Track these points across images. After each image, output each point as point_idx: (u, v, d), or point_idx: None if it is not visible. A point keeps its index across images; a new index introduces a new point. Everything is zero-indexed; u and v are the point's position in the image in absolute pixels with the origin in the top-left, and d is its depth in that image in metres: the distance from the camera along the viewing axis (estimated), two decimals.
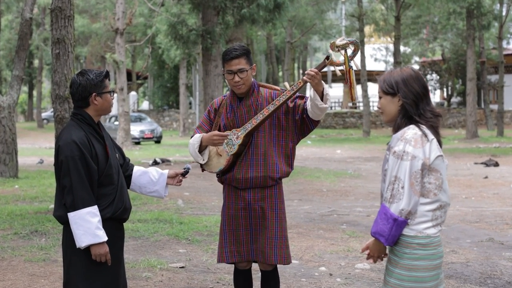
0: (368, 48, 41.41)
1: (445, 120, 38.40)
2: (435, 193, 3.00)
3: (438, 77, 44.10)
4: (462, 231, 8.04)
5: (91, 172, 3.36)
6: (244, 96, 4.04)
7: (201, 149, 4.04)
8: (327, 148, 24.39)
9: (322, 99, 3.83)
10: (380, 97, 3.14)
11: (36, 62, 48.30)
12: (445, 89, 47.59)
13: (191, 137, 4.13)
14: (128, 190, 3.74)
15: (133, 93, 45.78)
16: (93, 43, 39.31)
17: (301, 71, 51.10)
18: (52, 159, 14.99)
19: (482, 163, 16.88)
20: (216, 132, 3.97)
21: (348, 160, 19.20)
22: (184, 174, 3.86)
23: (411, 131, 3.00)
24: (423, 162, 2.95)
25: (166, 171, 3.84)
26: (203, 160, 4.04)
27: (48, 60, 40.63)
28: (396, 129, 3.07)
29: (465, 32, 32.51)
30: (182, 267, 6.10)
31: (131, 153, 21.94)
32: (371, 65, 43.90)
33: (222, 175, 4.10)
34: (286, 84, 3.99)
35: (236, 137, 3.96)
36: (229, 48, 3.96)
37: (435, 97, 49.20)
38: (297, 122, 4.02)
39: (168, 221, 8.26)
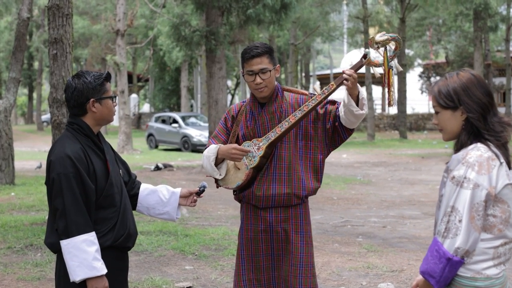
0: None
1: None
2: (500, 228, 2.45)
3: None
4: None
5: (88, 192, 2.83)
6: (267, 101, 3.51)
7: (217, 162, 3.50)
8: (333, 152, 23.82)
9: (357, 104, 3.31)
10: (436, 112, 2.57)
11: (36, 64, 47.76)
12: None
13: (205, 147, 3.60)
14: (134, 212, 3.20)
15: (134, 95, 45.34)
16: (93, 45, 38.82)
17: (303, 74, 50.48)
18: None
19: None
20: (236, 145, 3.41)
21: (355, 165, 18.65)
22: (199, 193, 3.34)
23: (475, 153, 2.44)
24: (488, 192, 2.39)
25: (178, 190, 3.31)
26: (220, 175, 3.50)
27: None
28: (459, 148, 2.51)
29: (470, 34, 32.01)
30: (190, 287, 5.59)
31: (132, 157, 21.40)
32: None
33: (239, 192, 3.55)
34: (316, 87, 3.44)
35: (257, 148, 3.40)
36: (250, 46, 3.43)
37: None
38: (328, 131, 3.48)
39: (172, 233, 7.74)
